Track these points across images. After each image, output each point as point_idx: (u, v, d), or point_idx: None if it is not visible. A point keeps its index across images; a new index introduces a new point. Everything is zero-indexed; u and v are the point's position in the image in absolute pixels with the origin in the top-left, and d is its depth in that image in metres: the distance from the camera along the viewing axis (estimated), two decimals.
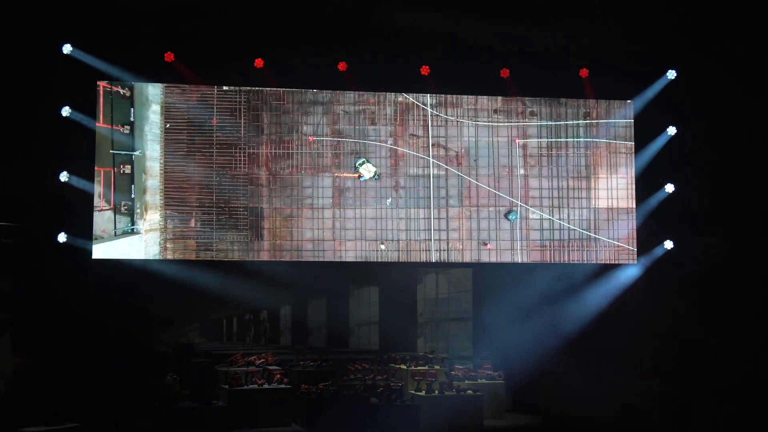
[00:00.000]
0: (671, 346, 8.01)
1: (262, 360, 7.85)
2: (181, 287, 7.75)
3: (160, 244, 7.55)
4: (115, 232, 7.43)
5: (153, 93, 7.68)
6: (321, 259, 7.83)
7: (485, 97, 8.13)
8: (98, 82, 7.50)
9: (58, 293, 7.41)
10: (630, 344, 8.07)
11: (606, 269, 8.35)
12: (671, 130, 8.21)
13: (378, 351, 9.34)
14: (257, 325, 8.42)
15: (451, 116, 8.07)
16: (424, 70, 7.85)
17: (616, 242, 8.31)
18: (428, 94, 8.02)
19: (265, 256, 7.74)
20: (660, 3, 7.72)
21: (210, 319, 8.11)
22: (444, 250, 7.98)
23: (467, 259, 8.01)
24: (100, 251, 7.43)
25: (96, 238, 7.38)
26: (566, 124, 8.28)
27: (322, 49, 7.72)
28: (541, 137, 8.22)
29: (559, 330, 8.20)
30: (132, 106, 7.56)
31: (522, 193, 8.15)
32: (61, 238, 7.28)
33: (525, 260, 8.12)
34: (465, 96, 8.07)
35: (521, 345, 8.16)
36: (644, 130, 8.36)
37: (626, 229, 8.33)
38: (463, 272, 9.44)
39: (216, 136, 7.73)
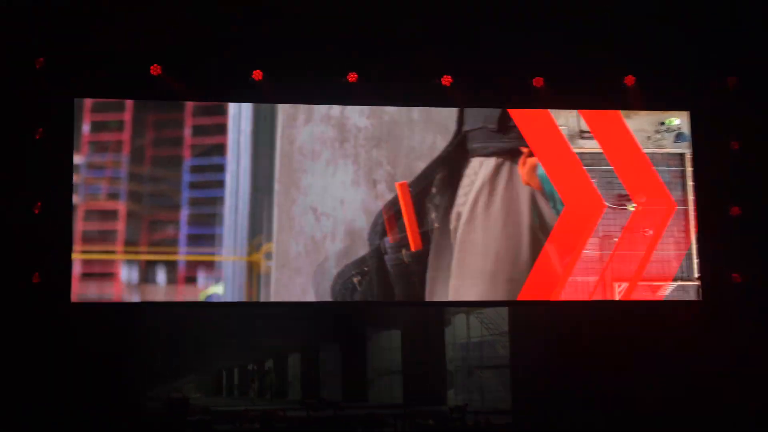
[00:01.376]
0: (738, 389, 6.98)
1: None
2: (174, 333, 7.02)
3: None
4: None
5: None
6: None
7: None
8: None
9: (33, 340, 6.60)
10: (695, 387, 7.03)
11: (664, 306, 7.26)
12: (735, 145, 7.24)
13: (402, 405, 8.36)
14: (261, 377, 7.68)
15: None
16: (446, 80, 6.92)
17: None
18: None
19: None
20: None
21: (207, 371, 7.30)
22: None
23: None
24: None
25: None
26: None
27: (328, 58, 6.90)
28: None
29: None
30: None
31: None
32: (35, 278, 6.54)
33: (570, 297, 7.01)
34: None
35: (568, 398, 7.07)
36: (703, 147, 7.33)
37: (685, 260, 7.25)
38: (496, 312, 8.42)
39: None
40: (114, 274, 6.61)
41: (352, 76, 6.85)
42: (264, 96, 6.93)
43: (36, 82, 6.62)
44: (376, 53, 6.95)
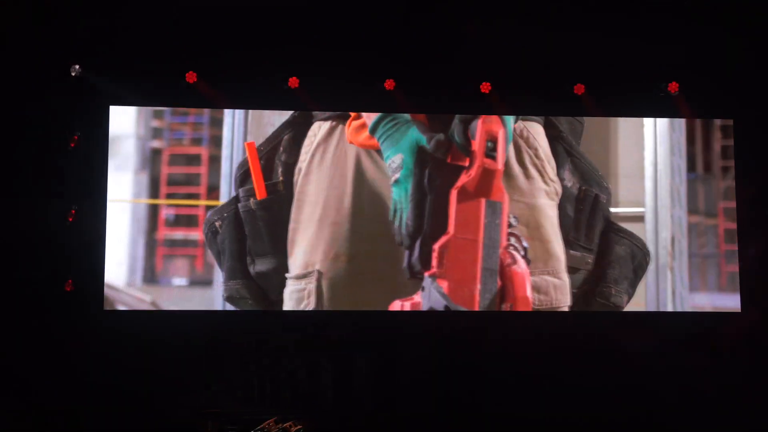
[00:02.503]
0: None
1: (299, 427, 6.99)
2: (204, 342, 6.91)
3: None
4: None
5: None
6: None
7: None
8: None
9: (65, 348, 6.64)
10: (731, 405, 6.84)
11: (704, 319, 7.14)
12: None
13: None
14: (293, 386, 7.62)
15: None
16: (485, 88, 6.82)
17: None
18: None
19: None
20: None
21: (239, 380, 7.25)
22: None
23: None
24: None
25: None
26: None
27: (363, 64, 6.85)
28: None
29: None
30: None
31: None
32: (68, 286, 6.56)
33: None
34: None
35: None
36: (747, 155, 7.16)
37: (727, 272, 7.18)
38: None
39: None
40: (198, 216, 7.05)
41: (390, 84, 6.80)
42: (302, 103, 6.91)
43: (71, 90, 6.61)
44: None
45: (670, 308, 7.09)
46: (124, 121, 6.88)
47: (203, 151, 7.13)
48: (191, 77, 6.64)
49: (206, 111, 7.05)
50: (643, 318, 7.12)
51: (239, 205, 6.91)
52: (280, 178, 6.97)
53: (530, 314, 6.92)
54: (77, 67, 6.58)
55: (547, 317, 7.00)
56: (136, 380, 6.67)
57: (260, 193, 6.90)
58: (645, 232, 7.09)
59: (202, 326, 6.91)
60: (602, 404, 6.87)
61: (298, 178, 6.94)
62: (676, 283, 7.15)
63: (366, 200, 6.95)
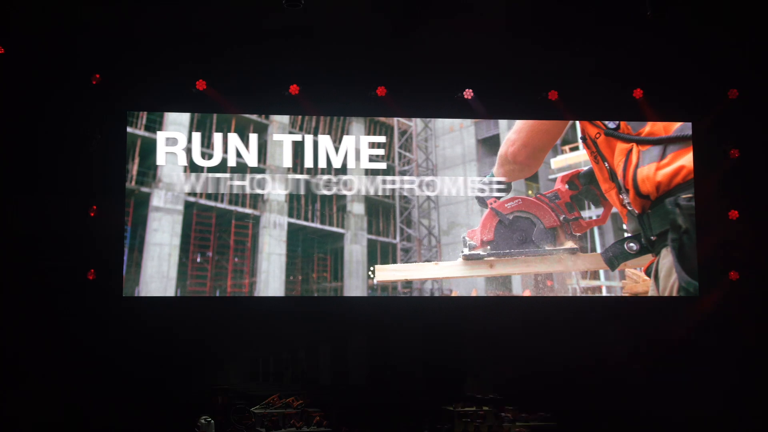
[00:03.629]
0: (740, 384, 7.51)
1: (301, 402, 7.50)
2: (214, 325, 7.46)
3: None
4: None
5: None
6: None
7: None
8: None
9: (87, 334, 7.14)
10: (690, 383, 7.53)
11: (665, 303, 7.73)
12: (735, 153, 7.74)
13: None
14: (295, 364, 8.12)
15: None
16: (467, 94, 7.47)
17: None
18: None
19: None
20: (720, 17, 7.30)
21: (246, 359, 7.80)
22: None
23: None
24: None
25: None
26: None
27: (359, 73, 7.43)
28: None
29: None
30: None
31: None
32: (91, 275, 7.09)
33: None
34: None
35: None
36: (705, 154, 7.80)
37: None
38: None
39: None
40: None
41: (381, 90, 7.41)
42: (300, 108, 7.48)
43: (92, 96, 7.12)
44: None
45: None
46: None
47: None
48: (201, 85, 7.21)
49: None
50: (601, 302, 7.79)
51: None
52: None
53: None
54: (97, 75, 7.10)
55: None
56: (153, 360, 7.17)
57: None
58: None
59: (214, 311, 7.44)
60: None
61: None
62: None
63: None
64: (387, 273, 7.62)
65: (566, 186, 7.69)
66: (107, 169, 7.19)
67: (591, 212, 7.78)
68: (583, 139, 7.82)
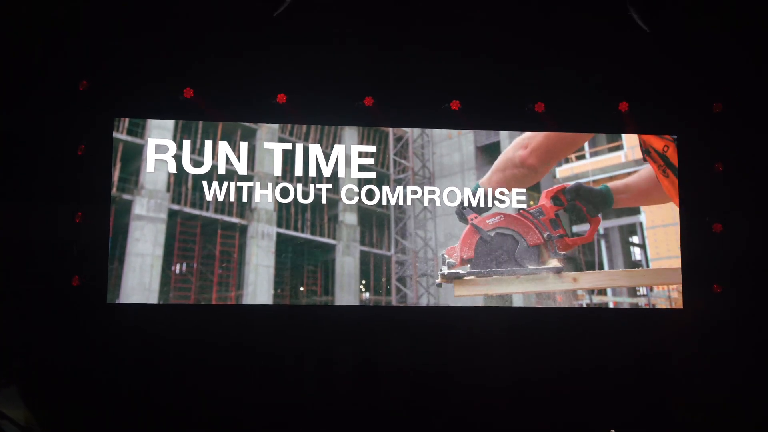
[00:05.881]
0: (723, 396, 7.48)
1: None
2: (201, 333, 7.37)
3: None
4: None
5: None
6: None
7: None
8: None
9: (72, 340, 7.13)
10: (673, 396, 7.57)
11: (646, 315, 7.80)
12: (719, 167, 7.76)
13: None
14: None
15: None
16: (455, 105, 7.52)
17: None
18: None
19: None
20: (705, 31, 7.43)
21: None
22: None
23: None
24: None
25: None
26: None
27: (346, 83, 7.45)
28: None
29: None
30: None
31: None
32: (75, 281, 7.08)
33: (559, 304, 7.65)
34: None
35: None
36: (689, 167, 7.83)
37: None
38: None
39: None
40: None
41: (368, 101, 7.45)
42: (288, 117, 7.50)
43: (80, 103, 7.13)
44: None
45: None
46: None
47: None
48: (188, 93, 7.23)
49: None
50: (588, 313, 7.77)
51: None
52: None
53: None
54: (85, 82, 7.12)
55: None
56: (137, 369, 7.15)
57: None
58: None
59: (201, 319, 7.40)
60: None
61: None
62: None
63: None
64: (466, 289, 7.39)
65: (551, 201, 7.54)
66: (93, 176, 7.19)
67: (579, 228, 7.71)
68: (647, 152, 7.68)
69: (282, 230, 7.54)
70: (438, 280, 7.43)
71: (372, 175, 7.65)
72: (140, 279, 7.24)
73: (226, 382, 7.35)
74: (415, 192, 7.69)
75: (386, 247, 7.70)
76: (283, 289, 7.50)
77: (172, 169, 7.36)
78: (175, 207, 7.41)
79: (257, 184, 7.49)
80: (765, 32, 7.51)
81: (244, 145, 7.50)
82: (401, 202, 7.66)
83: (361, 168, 7.63)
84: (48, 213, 7.10)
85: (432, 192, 7.69)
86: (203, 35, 7.07)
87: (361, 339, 7.57)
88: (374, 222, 7.69)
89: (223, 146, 7.45)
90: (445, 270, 7.36)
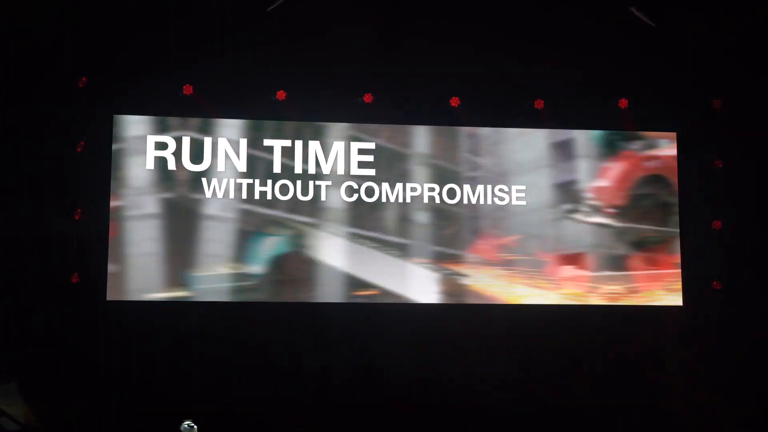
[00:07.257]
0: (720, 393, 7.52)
1: None
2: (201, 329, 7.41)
3: None
4: None
5: None
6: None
7: None
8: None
9: (71, 337, 7.14)
10: (673, 393, 7.58)
11: (646, 313, 7.74)
12: (719, 164, 7.77)
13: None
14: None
15: None
16: (454, 102, 7.52)
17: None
18: None
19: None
20: (705, 28, 7.44)
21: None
22: None
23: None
24: None
25: None
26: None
27: (345, 80, 7.44)
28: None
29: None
30: None
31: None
32: (75, 278, 7.08)
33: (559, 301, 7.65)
34: None
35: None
36: (688, 164, 7.85)
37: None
38: None
39: None
40: None
41: (368, 97, 7.44)
42: (286, 114, 7.47)
43: (79, 100, 7.12)
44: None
45: None
46: None
47: None
48: (188, 89, 7.23)
49: None
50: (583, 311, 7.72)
51: None
52: None
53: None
54: (84, 78, 7.11)
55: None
56: (136, 365, 7.13)
57: None
58: None
59: (199, 316, 7.39)
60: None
61: None
62: None
63: None
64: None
65: None
66: (93, 172, 7.18)
67: None
68: None
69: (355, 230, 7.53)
70: None
71: (371, 172, 7.63)
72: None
73: (227, 379, 7.36)
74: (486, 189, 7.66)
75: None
76: None
77: (172, 165, 7.36)
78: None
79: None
80: (764, 30, 7.54)
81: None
82: (473, 201, 7.66)
83: (360, 165, 7.61)
84: (47, 209, 7.10)
85: (503, 190, 7.67)
86: (203, 32, 7.08)
87: (361, 337, 7.55)
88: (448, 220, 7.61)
89: (223, 143, 7.46)
90: None
